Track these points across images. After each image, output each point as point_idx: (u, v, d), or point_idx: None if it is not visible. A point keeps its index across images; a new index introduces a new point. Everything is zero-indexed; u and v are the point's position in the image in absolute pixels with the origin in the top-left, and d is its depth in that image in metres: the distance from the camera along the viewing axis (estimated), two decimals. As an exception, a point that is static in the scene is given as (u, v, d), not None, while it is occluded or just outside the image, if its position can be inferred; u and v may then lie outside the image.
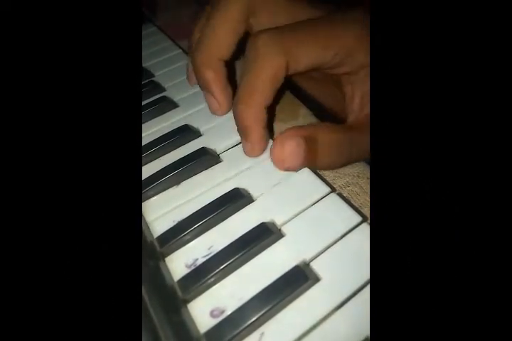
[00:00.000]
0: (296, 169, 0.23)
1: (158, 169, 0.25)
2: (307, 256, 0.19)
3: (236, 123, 0.24)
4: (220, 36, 0.26)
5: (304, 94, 0.31)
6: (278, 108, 0.29)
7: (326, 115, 0.29)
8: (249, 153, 0.24)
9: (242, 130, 0.24)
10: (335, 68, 0.24)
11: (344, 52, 0.23)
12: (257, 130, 0.23)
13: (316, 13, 0.25)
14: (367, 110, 0.24)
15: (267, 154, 0.24)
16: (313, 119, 0.28)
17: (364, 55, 0.23)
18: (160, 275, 0.19)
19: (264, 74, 0.22)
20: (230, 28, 0.26)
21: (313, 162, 0.22)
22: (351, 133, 0.23)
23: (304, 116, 0.28)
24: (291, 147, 0.22)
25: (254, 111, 0.23)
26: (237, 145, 0.26)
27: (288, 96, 0.30)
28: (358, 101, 0.24)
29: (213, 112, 0.28)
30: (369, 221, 0.20)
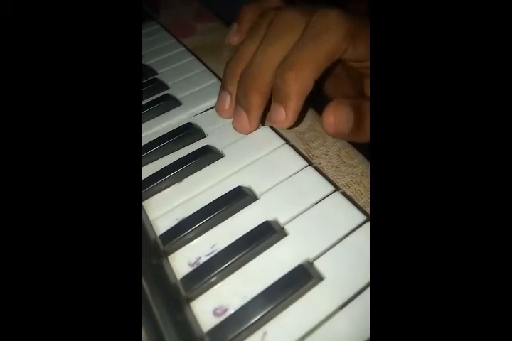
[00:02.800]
0: (345, 134, 0.23)
1: (161, 167, 0.25)
2: (311, 255, 0.19)
3: (276, 89, 0.23)
4: (275, 62, 0.24)
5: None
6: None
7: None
8: (281, 122, 0.24)
9: (283, 95, 0.23)
10: (357, 61, 0.25)
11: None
12: (299, 100, 0.23)
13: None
14: None
15: (271, 151, 0.24)
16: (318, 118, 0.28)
17: None
18: (163, 274, 0.19)
19: (327, 50, 0.22)
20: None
21: (359, 132, 0.23)
22: None
23: (307, 114, 0.28)
24: (344, 112, 0.22)
25: (305, 84, 0.23)
26: (239, 142, 0.26)
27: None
28: None
29: (239, 130, 0.26)
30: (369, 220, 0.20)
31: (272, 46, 0.24)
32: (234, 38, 0.30)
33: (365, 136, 0.24)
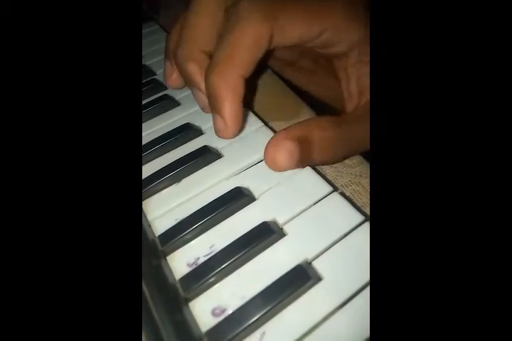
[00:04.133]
0: (291, 169, 0.22)
1: (160, 167, 0.25)
2: (309, 256, 0.19)
3: (208, 96, 0.22)
4: (200, 27, 0.23)
5: (302, 92, 0.30)
6: (279, 107, 0.29)
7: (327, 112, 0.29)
8: (221, 131, 0.22)
9: (214, 102, 0.21)
10: (324, 48, 0.23)
11: (333, 29, 0.22)
12: (232, 102, 0.21)
13: None
14: (367, 94, 0.23)
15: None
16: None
17: (355, 33, 0.22)
18: (162, 274, 0.19)
19: (245, 40, 0.20)
20: (210, 19, 0.23)
21: (309, 160, 0.22)
22: (347, 127, 0.22)
23: (306, 116, 0.28)
24: (285, 150, 0.20)
25: (231, 81, 0.20)
26: (238, 142, 0.26)
27: (289, 95, 0.30)
28: (354, 85, 0.23)
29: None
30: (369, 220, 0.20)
31: (197, 11, 0.24)
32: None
33: (313, 164, 0.23)
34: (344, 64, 0.24)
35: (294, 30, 0.21)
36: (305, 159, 0.21)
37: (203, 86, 0.23)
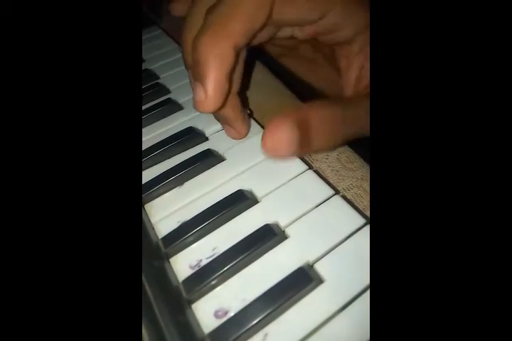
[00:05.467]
0: (291, 156, 0.20)
1: (163, 171, 0.25)
2: (311, 258, 0.19)
3: (193, 62, 0.20)
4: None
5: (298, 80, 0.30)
6: (278, 108, 0.29)
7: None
8: (200, 102, 0.20)
9: (198, 69, 0.19)
10: (327, 33, 0.22)
11: (336, 13, 0.21)
12: (217, 71, 0.19)
13: None
14: (366, 82, 0.22)
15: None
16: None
17: (358, 21, 0.21)
18: (165, 276, 0.19)
19: (242, 8, 0.19)
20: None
21: (308, 145, 0.20)
22: (345, 107, 0.21)
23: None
24: (284, 134, 0.19)
25: (220, 49, 0.19)
26: (240, 145, 0.26)
27: (288, 95, 0.30)
28: (354, 74, 0.23)
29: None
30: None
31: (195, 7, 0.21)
32: (177, 7, 0.28)
33: (312, 151, 0.22)
34: (346, 52, 0.23)
35: (295, 7, 0.20)
36: (305, 143, 0.20)
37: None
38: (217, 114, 0.24)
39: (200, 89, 0.20)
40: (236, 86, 0.23)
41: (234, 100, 0.24)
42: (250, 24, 0.19)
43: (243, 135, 0.26)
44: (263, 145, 0.19)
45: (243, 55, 0.23)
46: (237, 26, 0.19)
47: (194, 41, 0.19)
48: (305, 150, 0.20)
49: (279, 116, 0.19)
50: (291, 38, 0.24)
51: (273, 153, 0.20)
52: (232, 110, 0.24)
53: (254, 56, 0.30)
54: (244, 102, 0.28)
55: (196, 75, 0.20)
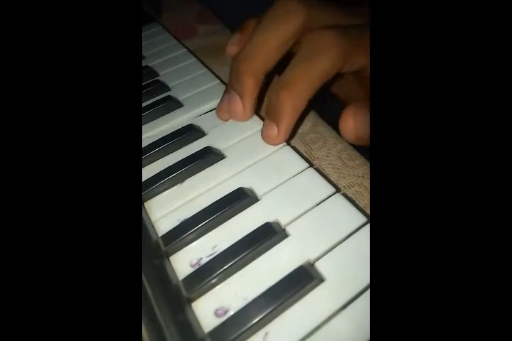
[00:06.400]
0: (365, 139, 0.23)
1: (163, 168, 0.25)
2: (312, 257, 0.19)
3: (270, 106, 0.24)
4: (270, 47, 0.25)
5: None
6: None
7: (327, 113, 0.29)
8: (270, 138, 0.24)
9: (275, 114, 0.24)
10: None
11: None
12: (291, 119, 0.24)
13: (357, 20, 0.26)
14: None
15: (273, 153, 0.24)
16: (318, 119, 0.28)
17: None
18: (165, 274, 0.19)
19: (320, 69, 0.23)
20: (283, 42, 0.25)
21: None
22: None
23: (308, 115, 0.28)
24: (365, 116, 0.22)
25: (298, 101, 0.23)
26: (240, 143, 0.26)
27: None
28: None
29: (233, 114, 0.27)
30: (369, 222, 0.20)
31: (270, 30, 0.25)
32: (232, 48, 0.31)
33: None
34: None
35: (360, 63, 0.24)
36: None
37: (247, 100, 0.25)
38: (238, 81, 0.26)
39: (273, 126, 0.24)
40: (271, 66, 0.26)
41: (262, 74, 0.25)
42: (324, 81, 0.23)
43: (247, 114, 0.26)
44: (343, 127, 0.23)
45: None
46: (315, 84, 0.23)
47: (277, 88, 0.23)
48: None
49: (355, 102, 0.22)
50: None
51: (353, 135, 0.23)
52: (254, 81, 0.25)
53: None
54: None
55: (271, 115, 0.24)
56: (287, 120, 0.23)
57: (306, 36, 0.24)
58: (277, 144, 0.25)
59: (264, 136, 0.25)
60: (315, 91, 0.23)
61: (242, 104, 0.26)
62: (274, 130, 0.24)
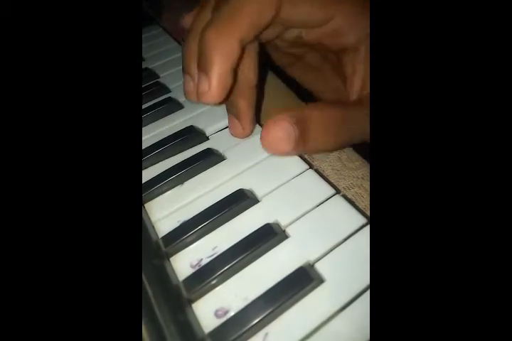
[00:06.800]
0: (288, 153, 0.21)
1: (164, 170, 0.25)
2: (312, 258, 0.19)
3: (199, 55, 0.21)
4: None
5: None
6: (280, 108, 0.29)
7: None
8: (203, 93, 0.21)
9: (203, 60, 0.20)
10: (333, 37, 0.23)
11: (343, 16, 0.22)
12: (223, 66, 0.20)
13: None
14: (368, 88, 0.23)
15: (272, 154, 0.25)
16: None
17: (361, 29, 0.22)
18: (165, 275, 0.19)
19: (251, 4, 0.20)
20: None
21: (307, 144, 0.20)
22: (346, 109, 0.21)
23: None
24: (282, 131, 0.19)
25: (228, 43, 0.20)
26: (240, 145, 0.26)
27: (290, 96, 0.30)
28: (359, 81, 0.23)
29: (234, 134, 0.26)
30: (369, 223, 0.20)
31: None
32: (188, 19, 0.27)
33: (310, 150, 0.22)
34: (352, 60, 0.24)
35: (302, 8, 0.21)
36: (303, 141, 0.20)
37: (244, 121, 0.24)
38: (231, 105, 0.25)
39: (204, 80, 0.20)
40: (254, 79, 0.24)
41: (250, 92, 0.24)
42: (256, 20, 0.20)
43: (247, 133, 0.26)
44: (262, 140, 0.20)
45: (255, 49, 0.23)
46: (243, 22, 0.20)
47: (201, 34, 0.20)
48: (303, 149, 0.21)
49: (280, 113, 0.20)
50: (299, 41, 0.24)
51: (271, 149, 0.20)
52: (246, 102, 0.24)
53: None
54: (260, 100, 0.28)
55: (201, 66, 0.21)
56: (218, 68, 0.20)
57: None
58: (212, 101, 0.21)
59: (198, 93, 0.21)
60: (250, 31, 0.20)
61: (240, 124, 0.25)
62: (205, 84, 0.20)
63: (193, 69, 0.23)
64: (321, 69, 0.28)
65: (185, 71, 0.24)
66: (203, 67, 0.21)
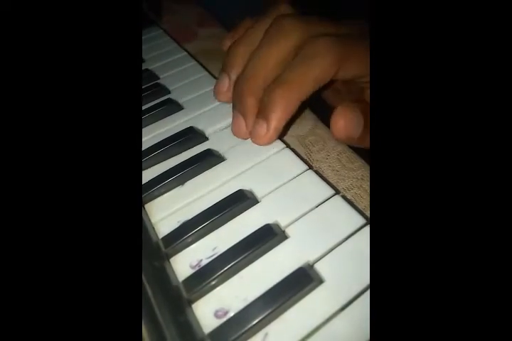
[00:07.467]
0: (354, 139, 0.23)
1: (164, 171, 0.25)
2: (311, 258, 0.19)
3: (262, 104, 0.24)
4: (270, 67, 0.25)
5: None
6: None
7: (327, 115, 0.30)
8: (260, 136, 0.25)
9: (266, 112, 0.24)
10: (363, 77, 0.25)
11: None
12: (282, 119, 0.24)
13: (354, 30, 0.26)
14: None
15: (272, 155, 0.25)
16: (318, 122, 0.28)
17: None
18: (165, 276, 0.19)
19: (315, 74, 0.23)
20: (282, 60, 0.25)
21: (367, 135, 0.23)
22: None
23: (308, 118, 0.28)
24: (355, 115, 0.23)
25: (291, 102, 0.23)
26: (240, 145, 0.26)
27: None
28: None
29: (236, 133, 0.27)
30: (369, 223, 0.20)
31: (268, 50, 0.25)
32: (227, 43, 0.31)
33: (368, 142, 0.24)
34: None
35: (354, 71, 0.24)
36: (367, 131, 0.23)
37: (249, 120, 0.25)
38: (239, 102, 0.26)
39: (263, 125, 0.24)
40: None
41: (260, 91, 0.25)
42: (317, 84, 0.24)
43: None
44: (334, 125, 0.23)
45: None
46: (307, 85, 0.23)
47: (270, 87, 0.24)
48: (364, 141, 0.24)
49: (346, 102, 0.23)
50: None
51: (343, 134, 0.23)
52: (254, 99, 0.25)
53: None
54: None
55: (262, 113, 0.24)
56: (278, 119, 0.24)
57: (304, 44, 0.24)
58: (264, 144, 0.25)
59: (253, 134, 0.25)
60: (308, 94, 0.24)
61: (245, 124, 0.26)
62: (263, 128, 0.24)
63: (232, 71, 0.27)
64: (338, 90, 0.30)
65: (224, 70, 0.28)
66: (265, 115, 0.24)
